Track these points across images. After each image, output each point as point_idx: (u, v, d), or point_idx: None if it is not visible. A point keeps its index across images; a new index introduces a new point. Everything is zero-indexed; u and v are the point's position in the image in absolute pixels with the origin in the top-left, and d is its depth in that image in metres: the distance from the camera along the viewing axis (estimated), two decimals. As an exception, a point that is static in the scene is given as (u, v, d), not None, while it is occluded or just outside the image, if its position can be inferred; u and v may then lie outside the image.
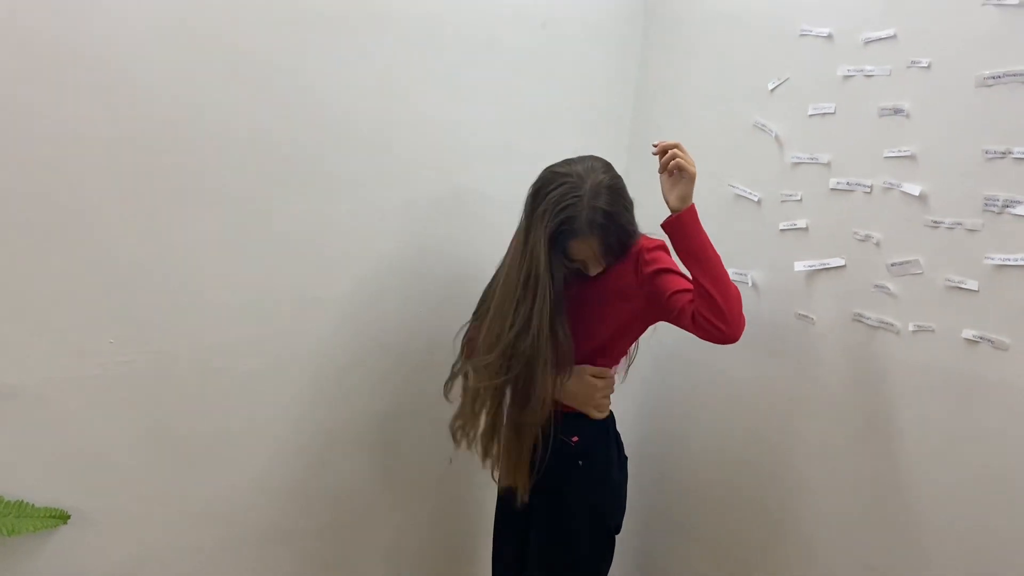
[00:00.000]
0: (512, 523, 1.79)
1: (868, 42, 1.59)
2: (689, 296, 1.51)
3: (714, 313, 1.47)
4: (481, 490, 2.10)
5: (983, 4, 1.39)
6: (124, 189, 1.49)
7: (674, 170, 1.50)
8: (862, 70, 1.60)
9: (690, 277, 1.53)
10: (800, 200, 1.73)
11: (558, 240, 1.52)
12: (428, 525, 2.12)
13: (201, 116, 1.55)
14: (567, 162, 1.57)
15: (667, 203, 1.53)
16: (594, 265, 1.60)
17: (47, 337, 1.47)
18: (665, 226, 1.54)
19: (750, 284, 1.84)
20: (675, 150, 1.51)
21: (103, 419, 1.55)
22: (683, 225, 1.51)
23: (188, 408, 1.65)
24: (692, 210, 1.51)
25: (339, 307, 1.82)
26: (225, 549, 1.76)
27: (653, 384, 2.05)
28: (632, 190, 2.11)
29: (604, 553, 1.75)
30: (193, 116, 1.54)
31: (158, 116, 1.50)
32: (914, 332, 1.51)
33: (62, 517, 1.52)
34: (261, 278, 1.69)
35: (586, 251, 1.55)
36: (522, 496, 1.64)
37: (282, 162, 1.67)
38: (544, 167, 1.58)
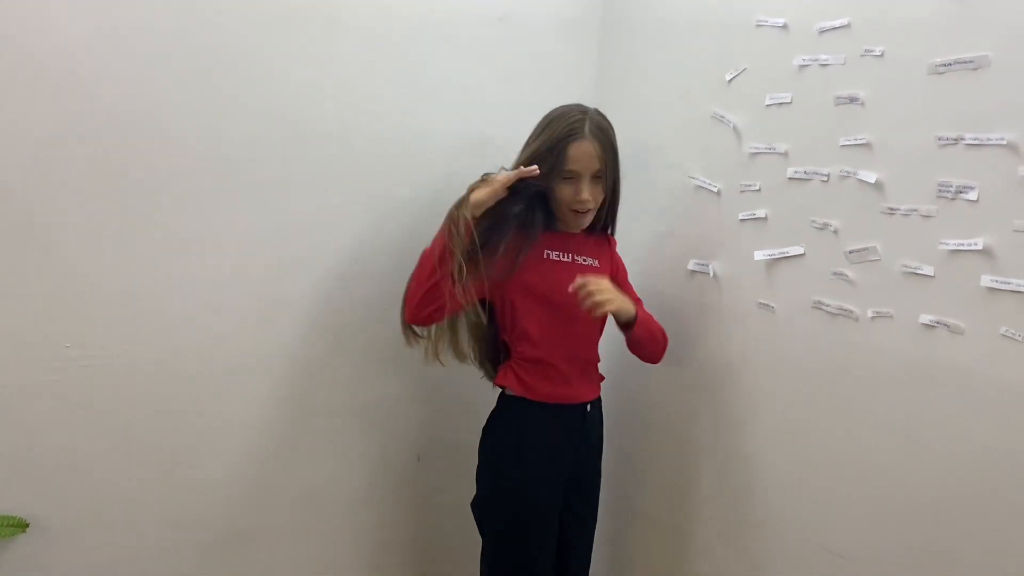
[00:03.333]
0: (551, 516, 1.83)
1: (823, 31, 1.60)
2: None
3: (651, 361, 1.89)
4: (450, 488, 2.09)
5: (933, -8, 1.41)
6: (77, 190, 1.47)
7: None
8: (817, 59, 1.61)
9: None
10: (759, 190, 1.74)
11: (560, 146, 1.68)
12: (397, 524, 2.11)
13: (154, 115, 1.53)
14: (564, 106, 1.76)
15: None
16: (587, 184, 1.71)
17: (1, 342, 1.44)
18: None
19: (711, 275, 1.85)
20: (594, 300, 1.63)
21: (62, 424, 1.53)
22: (636, 337, 1.79)
23: (149, 412, 1.63)
24: (638, 322, 1.77)
25: (302, 307, 1.81)
26: (190, 553, 1.74)
27: (614, 373, 2.06)
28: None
29: None
30: (147, 115, 1.52)
31: (109, 115, 1.48)
32: (873, 318, 1.53)
33: (20, 525, 1.49)
34: (221, 279, 1.67)
35: (584, 158, 1.68)
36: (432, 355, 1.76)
37: (240, 162, 1.65)
38: (501, 161, 1.67)
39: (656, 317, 1.89)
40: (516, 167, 1.67)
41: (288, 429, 1.84)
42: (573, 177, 1.70)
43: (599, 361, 1.89)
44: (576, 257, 1.80)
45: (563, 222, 1.79)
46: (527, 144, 1.74)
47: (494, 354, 1.87)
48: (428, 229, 1.94)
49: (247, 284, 1.71)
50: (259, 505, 1.83)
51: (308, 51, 1.70)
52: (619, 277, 1.89)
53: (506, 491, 1.77)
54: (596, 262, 1.83)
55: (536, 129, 1.74)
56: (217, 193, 1.63)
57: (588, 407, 1.83)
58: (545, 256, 1.77)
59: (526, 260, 1.72)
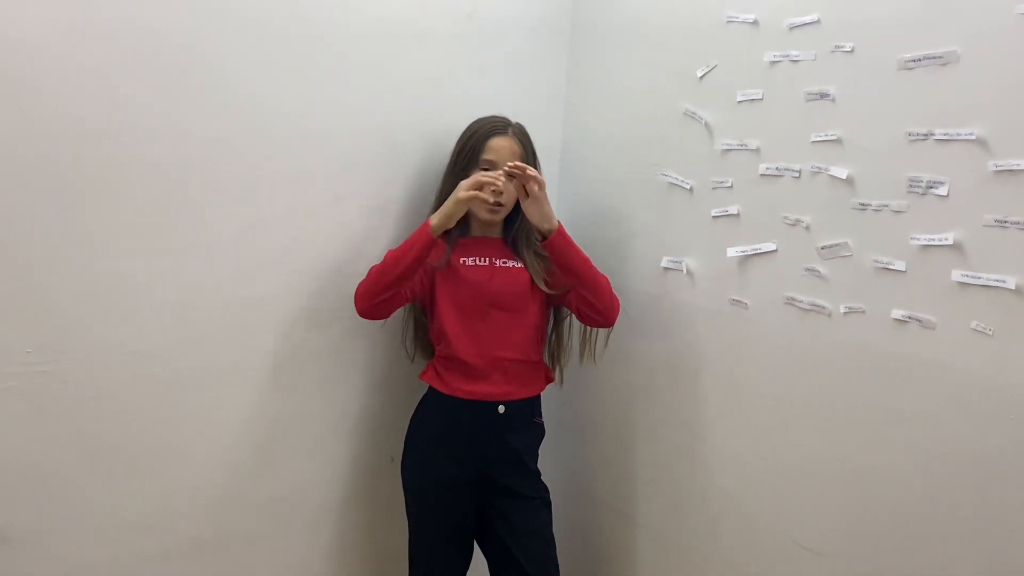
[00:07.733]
0: (462, 530, 1.87)
1: (793, 27, 1.60)
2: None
3: (594, 311, 1.80)
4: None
5: (902, -12, 1.41)
6: (35, 190, 1.42)
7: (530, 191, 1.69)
8: (788, 55, 1.61)
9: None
10: (731, 186, 1.74)
11: (479, 139, 1.80)
12: (371, 527, 2.09)
13: (116, 115, 1.49)
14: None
15: (535, 226, 1.74)
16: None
17: (-42, 349, 1.40)
18: (544, 247, 1.76)
19: (684, 272, 1.84)
20: (525, 174, 1.67)
21: (24, 431, 1.49)
22: (556, 247, 1.73)
23: (115, 417, 1.59)
24: (560, 231, 1.72)
25: (271, 309, 1.78)
26: (158, 560, 1.70)
27: (587, 372, 2.05)
28: (566, 181, 2.13)
29: None
30: (108, 115, 1.48)
31: (66, 115, 1.43)
32: (845, 314, 1.53)
33: (-19, 536, 1.46)
34: (187, 280, 1.63)
35: (504, 151, 1.78)
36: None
37: (205, 160, 1.62)
38: None
39: (630, 314, 1.89)
40: (446, 172, 1.85)
41: (258, 433, 1.81)
42: (489, 168, 1.77)
43: (532, 361, 1.87)
44: (495, 261, 1.84)
45: (475, 219, 1.85)
46: (454, 151, 1.85)
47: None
48: (399, 227, 1.92)
49: (215, 286, 1.67)
50: (228, 510, 1.79)
51: (276, 48, 1.67)
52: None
53: (407, 467, 1.91)
54: (521, 264, 1.86)
55: (461, 137, 1.84)
56: (184, 193, 1.60)
57: (501, 407, 1.80)
58: (461, 263, 1.82)
59: (442, 269, 1.81)
